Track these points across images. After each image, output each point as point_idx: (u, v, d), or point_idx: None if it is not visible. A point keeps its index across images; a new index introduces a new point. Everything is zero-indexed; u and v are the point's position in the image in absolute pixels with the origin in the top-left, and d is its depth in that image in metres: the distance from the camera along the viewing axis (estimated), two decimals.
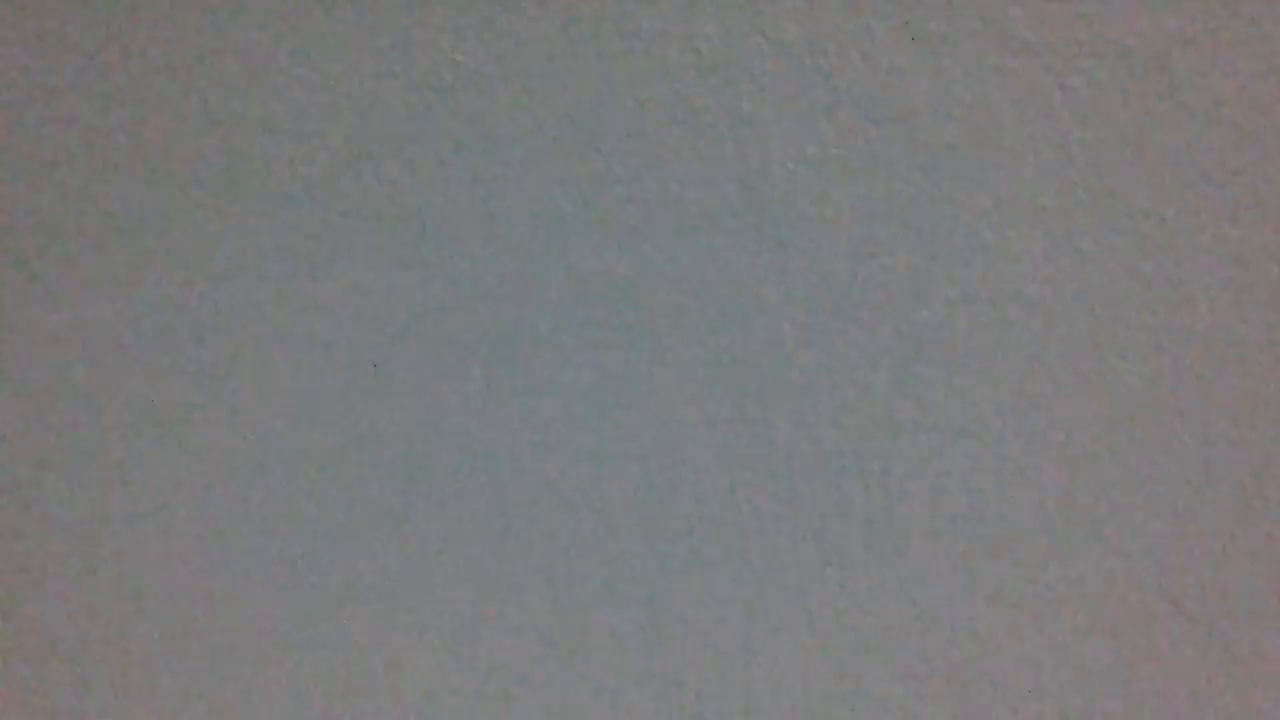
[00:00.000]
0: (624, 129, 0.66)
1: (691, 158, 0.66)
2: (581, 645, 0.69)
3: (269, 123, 0.67)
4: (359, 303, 0.68)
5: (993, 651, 0.68)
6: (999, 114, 0.65)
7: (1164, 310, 0.66)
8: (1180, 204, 0.65)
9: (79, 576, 0.70)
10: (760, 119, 0.66)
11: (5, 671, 0.71)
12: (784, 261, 0.66)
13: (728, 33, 0.65)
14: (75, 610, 0.71)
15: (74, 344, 0.69)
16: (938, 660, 0.68)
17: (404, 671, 0.70)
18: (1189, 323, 0.66)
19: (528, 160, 0.66)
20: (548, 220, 0.67)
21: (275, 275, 0.68)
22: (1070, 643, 0.68)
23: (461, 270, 0.67)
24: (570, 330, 0.67)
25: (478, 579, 0.69)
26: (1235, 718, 0.67)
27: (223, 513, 0.70)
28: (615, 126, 0.66)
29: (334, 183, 0.67)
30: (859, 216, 0.66)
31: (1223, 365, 0.66)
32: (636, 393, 0.68)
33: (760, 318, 0.67)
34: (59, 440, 0.69)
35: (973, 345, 0.66)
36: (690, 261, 0.67)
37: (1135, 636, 0.67)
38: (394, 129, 0.67)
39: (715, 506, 0.68)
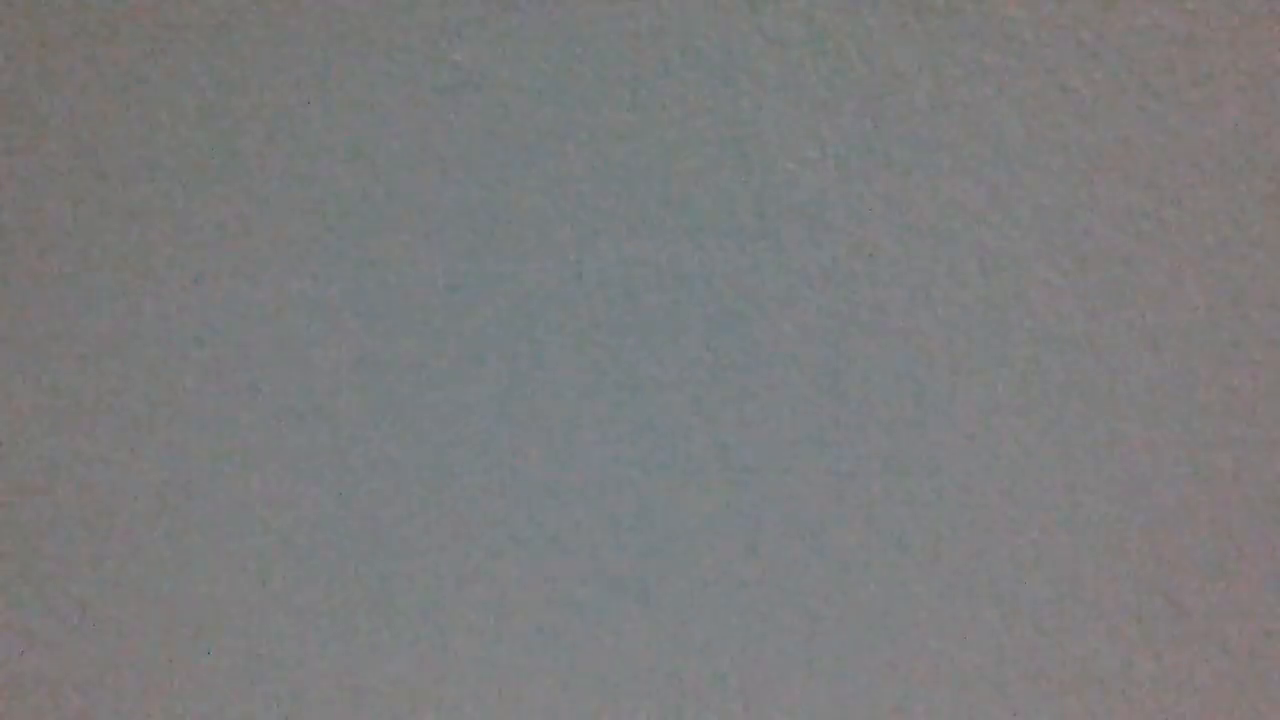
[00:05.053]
0: (624, 129, 0.66)
1: (691, 158, 0.66)
2: (582, 645, 0.69)
3: (269, 123, 0.67)
4: (359, 303, 0.68)
5: (993, 651, 0.68)
6: (999, 114, 0.65)
7: (1163, 310, 0.66)
8: (1180, 204, 0.65)
9: (79, 577, 0.70)
10: (760, 119, 0.66)
11: (5, 671, 0.71)
12: (784, 261, 0.66)
13: (728, 33, 0.65)
14: (75, 610, 0.71)
15: (74, 344, 0.69)
16: (937, 660, 0.68)
17: (404, 672, 0.70)
18: (1188, 322, 0.66)
19: (528, 160, 0.66)
20: (548, 220, 0.67)
21: (275, 275, 0.68)
22: (1070, 643, 0.68)
23: (461, 270, 0.67)
24: (570, 329, 0.67)
25: (477, 579, 0.69)
26: (1235, 718, 0.67)
27: (224, 512, 0.70)
28: (615, 126, 0.66)
29: (334, 182, 0.67)
30: (859, 216, 0.66)
31: (1222, 365, 0.66)
32: (636, 392, 0.68)
33: (760, 318, 0.67)
34: (59, 440, 0.69)
35: (972, 345, 0.66)
36: (690, 261, 0.67)
37: (1135, 636, 0.68)
38: (394, 129, 0.67)
39: (715, 506, 0.68)
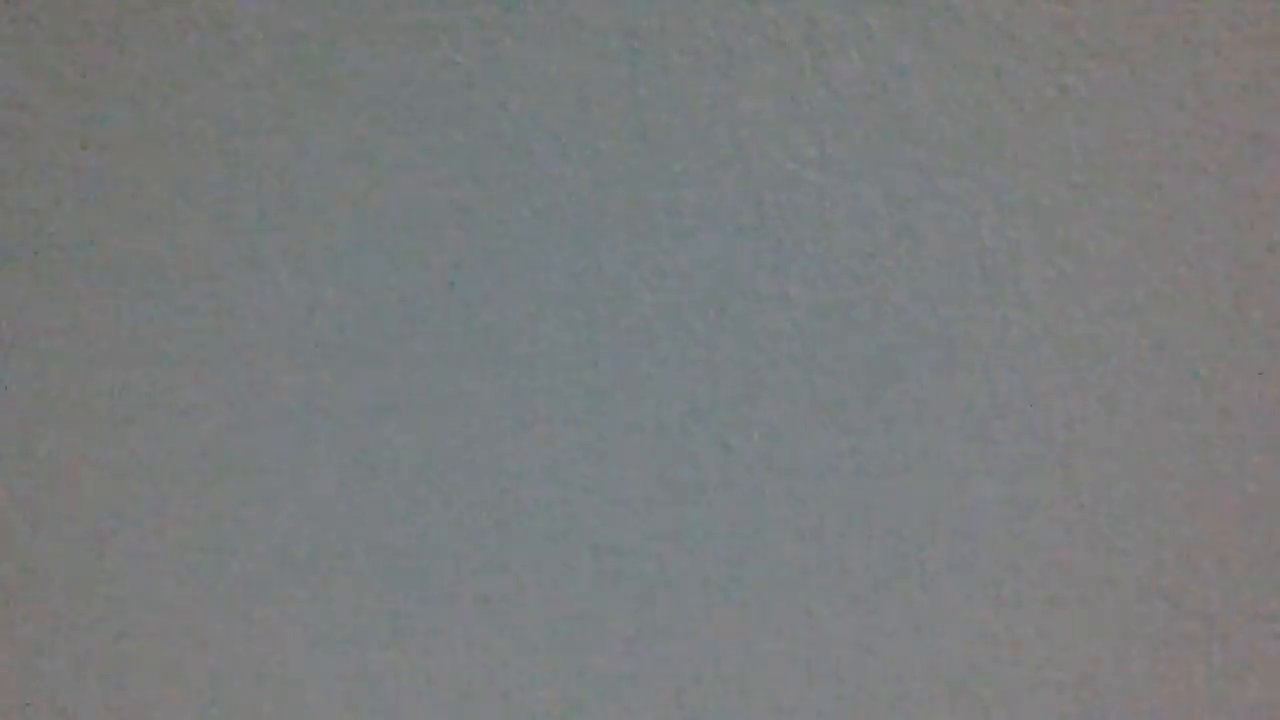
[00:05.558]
0: (624, 129, 0.66)
1: (691, 158, 0.66)
2: (581, 646, 0.69)
3: (269, 123, 0.67)
4: (359, 303, 0.68)
5: (993, 651, 0.68)
6: (999, 114, 0.65)
7: (1163, 310, 0.66)
8: (1180, 204, 0.65)
9: (79, 578, 0.70)
10: (760, 119, 0.66)
11: (5, 671, 0.71)
12: (784, 261, 0.66)
13: (728, 33, 0.65)
14: (75, 611, 0.71)
15: (74, 344, 0.69)
16: (937, 660, 0.68)
17: (404, 672, 0.70)
18: (1188, 323, 0.66)
19: (528, 160, 0.66)
20: (547, 220, 0.67)
21: (275, 275, 0.68)
22: (1070, 643, 0.68)
23: (461, 270, 0.67)
24: (570, 330, 0.67)
25: (477, 580, 0.69)
26: (1235, 718, 0.67)
27: (223, 514, 0.70)
28: (615, 126, 0.66)
29: (333, 183, 0.67)
30: (859, 216, 0.66)
31: (1223, 365, 0.66)
32: (636, 392, 0.68)
33: (760, 318, 0.67)
34: (59, 440, 0.69)
35: (972, 345, 0.66)
36: (690, 261, 0.67)
37: (1135, 636, 0.68)
38: (394, 129, 0.67)
39: (715, 507, 0.68)
